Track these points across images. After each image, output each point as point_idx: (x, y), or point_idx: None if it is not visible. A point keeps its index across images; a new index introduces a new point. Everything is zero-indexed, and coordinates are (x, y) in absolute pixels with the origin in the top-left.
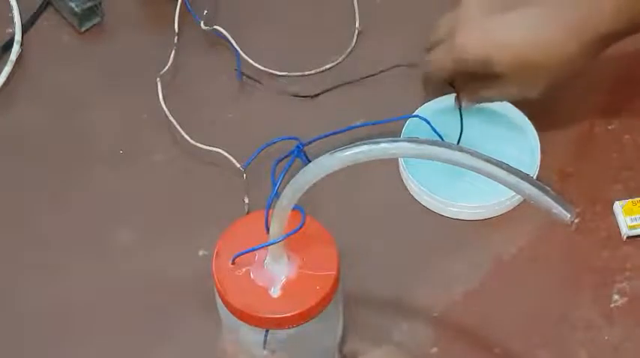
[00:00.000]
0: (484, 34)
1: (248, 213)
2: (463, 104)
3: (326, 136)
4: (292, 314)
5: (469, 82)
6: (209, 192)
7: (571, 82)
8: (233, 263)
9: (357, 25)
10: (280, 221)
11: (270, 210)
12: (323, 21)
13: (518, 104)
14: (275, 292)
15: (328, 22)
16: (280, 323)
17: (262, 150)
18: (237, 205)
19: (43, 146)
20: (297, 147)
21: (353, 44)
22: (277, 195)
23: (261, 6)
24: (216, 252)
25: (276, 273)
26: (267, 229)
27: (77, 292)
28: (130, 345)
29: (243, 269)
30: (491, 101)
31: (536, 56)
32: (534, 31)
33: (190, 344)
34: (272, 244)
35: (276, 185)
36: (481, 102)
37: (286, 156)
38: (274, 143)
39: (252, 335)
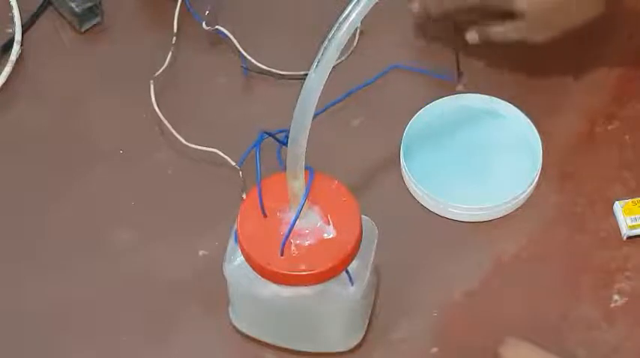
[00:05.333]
0: None
1: None
2: (469, 37)
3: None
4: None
5: (478, 19)
6: (208, 191)
7: (580, 31)
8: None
9: (358, 24)
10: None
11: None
12: (325, 20)
13: (520, 105)
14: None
15: (330, 21)
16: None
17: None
18: (236, 204)
19: (43, 146)
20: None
21: (355, 44)
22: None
23: (262, 6)
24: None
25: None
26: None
27: (77, 292)
28: (129, 345)
29: None
30: (498, 39)
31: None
32: None
33: (190, 344)
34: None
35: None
36: (487, 39)
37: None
38: (263, 139)
39: None
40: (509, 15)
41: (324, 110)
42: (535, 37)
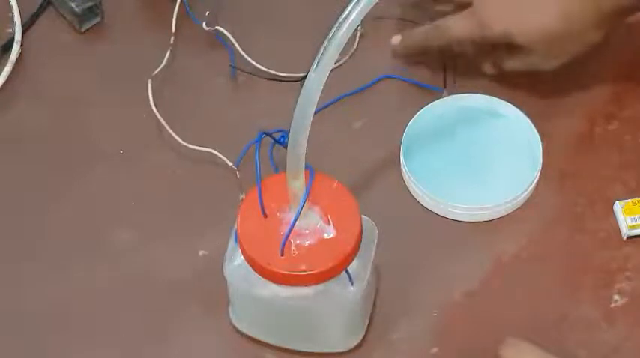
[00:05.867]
0: (504, 8)
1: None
2: (486, 69)
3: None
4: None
5: (489, 52)
6: (207, 191)
7: (590, 54)
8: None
9: (358, 27)
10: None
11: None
12: (324, 21)
13: (520, 105)
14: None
15: (330, 22)
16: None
17: (251, 146)
18: (235, 204)
19: (43, 146)
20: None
21: (355, 47)
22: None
23: (262, 7)
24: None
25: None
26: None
27: (77, 292)
28: (129, 345)
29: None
30: (514, 70)
31: (557, 28)
32: (554, 2)
33: (190, 344)
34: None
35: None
36: (501, 70)
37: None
38: (260, 139)
39: None
40: (512, 46)
41: (324, 108)
42: (545, 66)
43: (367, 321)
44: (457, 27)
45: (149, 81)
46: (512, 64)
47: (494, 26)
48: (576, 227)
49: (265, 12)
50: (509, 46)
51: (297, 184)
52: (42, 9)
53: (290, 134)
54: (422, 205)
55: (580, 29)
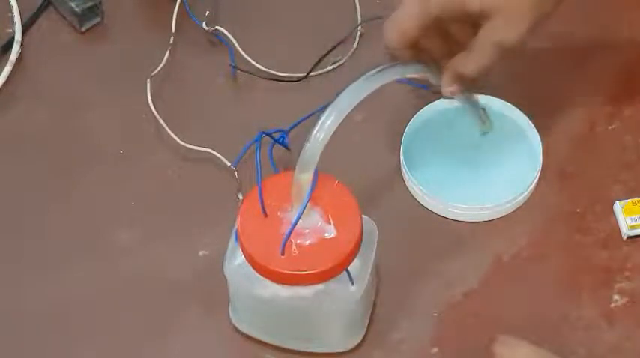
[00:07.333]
0: None
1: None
2: (446, 93)
3: (305, 118)
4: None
5: (444, 54)
6: (207, 191)
7: (548, 22)
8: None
9: (359, 27)
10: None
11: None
12: (324, 22)
13: (520, 105)
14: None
15: (329, 22)
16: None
17: (250, 146)
18: (234, 204)
19: (43, 146)
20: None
21: (355, 46)
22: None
23: (263, 7)
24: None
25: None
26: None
27: (77, 292)
28: (129, 345)
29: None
30: (473, 74)
31: None
32: None
33: (190, 344)
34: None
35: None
36: (465, 84)
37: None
38: (260, 138)
39: None
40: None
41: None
42: (509, 36)
43: (367, 321)
44: (406, 14)
45: (148, 81)
46: (474, 60)
47: None
48: (576, 227)
49: (265, 12)
50: (461, 31)
51: (305, 177)
52: (42, 9)
53: (316, 127)
54: (422, 205)
55: None
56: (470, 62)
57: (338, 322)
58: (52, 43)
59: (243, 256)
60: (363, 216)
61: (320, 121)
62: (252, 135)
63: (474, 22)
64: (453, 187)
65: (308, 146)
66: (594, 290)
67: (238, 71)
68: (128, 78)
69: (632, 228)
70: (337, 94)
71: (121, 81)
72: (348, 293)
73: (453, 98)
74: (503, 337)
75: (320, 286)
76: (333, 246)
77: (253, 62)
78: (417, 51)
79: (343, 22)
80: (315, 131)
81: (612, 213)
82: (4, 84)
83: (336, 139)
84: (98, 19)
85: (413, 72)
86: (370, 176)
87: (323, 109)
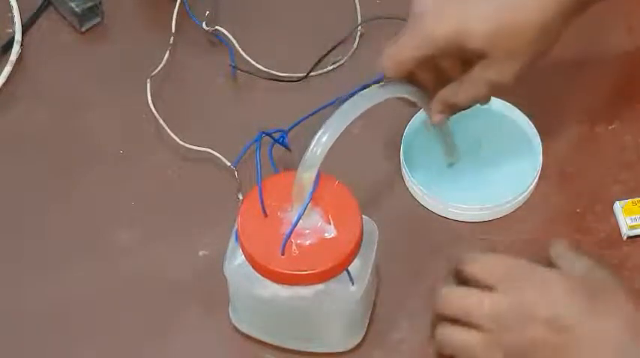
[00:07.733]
0: (455, 7)
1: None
2: (435, 121)
3: (305, 118)
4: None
5: (435, 83)
6: (207, 191)
7: (542, 62)
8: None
9: (359, 27)
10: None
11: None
12: (324, 22)
13: (520, 105)
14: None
15: (329, 23)
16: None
17: (250, 146)
18: (234, 204)
19: (43, 146)
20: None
21: (355, 47)
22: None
23: (263, 7)
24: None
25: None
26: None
27: (77, 292)
28: (129, 345)
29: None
30: (464, 105)
31: (514, 21)
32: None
33: (190, 344)
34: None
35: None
36: (453, 112)
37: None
38: (260, 138)
39: None
40: (465, 66)
41: (323, 108)
42: (503, 75)
43: (367, 321)
44: (406, 46)
45: (148, 81)
46: (465, 91)
47: (446, 27)
48: (576, 227)
49: (265, 12)
50: (455, 67)
51: (308, 176)
52: (42, 9)
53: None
54: (422, 205)
55: (538, 24)
56: (461, 93)
57: (338, 322)
58: (52, 43)
59: (243, 256)
60: (363, 216)
61: (319, 133)
62: (252, 135)
63: (467, 60)
64: (453, 187)
65: (313, 146)
66: None
67: (238, 71)
68: (128, 78)
69: (632, 228)
70: (341, 100)
71: (121, 81)
72: (348, 293)
73: (435, 124)
74: (469, 254)
75: (320, 286)
76: (334, 246)
77: (253, 62)
78: (409, 80)
79: (343, 22)
80: (318, 134)
81: (612, 213)
82: (4, 84)
83: (337, 140)
84: (98, 19)
85: (404, 93)
86: (370, 176)
87: (323, 109)
